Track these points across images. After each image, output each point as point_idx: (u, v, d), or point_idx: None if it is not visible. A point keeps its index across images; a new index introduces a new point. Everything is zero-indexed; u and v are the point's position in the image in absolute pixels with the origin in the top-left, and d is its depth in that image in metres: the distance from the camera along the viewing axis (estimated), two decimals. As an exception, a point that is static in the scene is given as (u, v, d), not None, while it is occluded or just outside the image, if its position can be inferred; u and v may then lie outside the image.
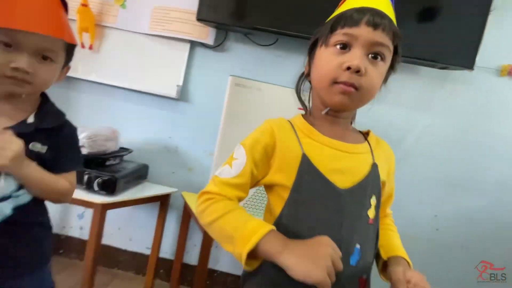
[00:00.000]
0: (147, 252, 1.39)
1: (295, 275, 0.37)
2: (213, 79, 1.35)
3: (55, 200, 0.59)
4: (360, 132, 0.58)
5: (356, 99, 0.47)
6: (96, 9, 1.32)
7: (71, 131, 0.62)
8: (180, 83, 1.33)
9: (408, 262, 0.52)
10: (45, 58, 0.52)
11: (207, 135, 1.35)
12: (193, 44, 1.33)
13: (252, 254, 0.41)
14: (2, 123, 0.52)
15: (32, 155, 0.53)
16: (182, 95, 1.35)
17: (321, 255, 0.38)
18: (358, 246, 0.47)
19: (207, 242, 0.99)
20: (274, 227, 0.44)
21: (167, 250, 1.41)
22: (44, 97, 0.60)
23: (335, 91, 0.47)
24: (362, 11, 0.46)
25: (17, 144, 0.48)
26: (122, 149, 1.26)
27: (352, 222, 0.47)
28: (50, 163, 0.55)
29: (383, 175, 0.52)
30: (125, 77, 1.35)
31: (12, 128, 0.51)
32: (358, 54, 0.45)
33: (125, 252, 1.43)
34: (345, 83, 0.45)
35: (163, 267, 1.40)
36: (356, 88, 0.45)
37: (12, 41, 0.49)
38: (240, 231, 0.43)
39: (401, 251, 0.54)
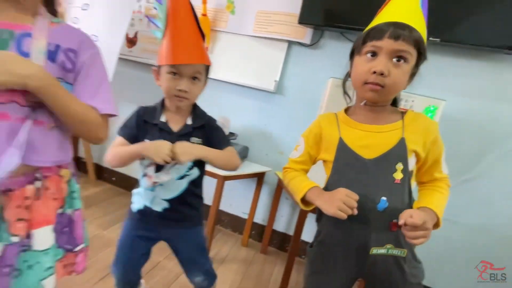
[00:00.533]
0: (244, 216, 1.73)
1: (323, 211, 0.62)
2: (307, 75, 1.50)
3: (233, 168, 0.84)
4: (401, 111, 0.70)
5: (383, 94, 0.62)
6: (211, 16, 1.60)
7: (214, 123, 0.86)
8: (277, 79, 1.53)
9: (436, 214, 0.62)
10: (194, 78, 0.77)
11: (299, 124, 1.54)
12: (291, 43, 1.50)
13: (305, 201, 0.70)
14: (175, 127, 0.80)
15: None
16: (278, 89, 1.56)
17: (334, 198, 0.60)
18: (384, 198, 0.63)
19: (302, 216, 1.21)
20: (317, 185, 0.70)
21: (259, 217, 1.73)
22: (194, 104, 0.85)
23: (366, 89, 0.63)
24: (387, 25, 0.60)
25: (186, 144, 0.74)
26: (231, 133, 1.57)
27: (376, 181, 0.64)
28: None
29: (414, 146, 0.65)
30: (232, 73, 1.63)
31: (180, 129, 0.80)
32: (382, 61, 0.60)
33: (226, 213, 1.80)
34: (372, 83, 0.61)
35: (256, 229, 1.73)
36: (382, 86, 0.60)
37: (177, 71, 0.74)
38: (299, 187, 0.71)
39: (431, 204, 0.63)
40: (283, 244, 1.70)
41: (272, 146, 1.63)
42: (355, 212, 0.59)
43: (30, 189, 0.54)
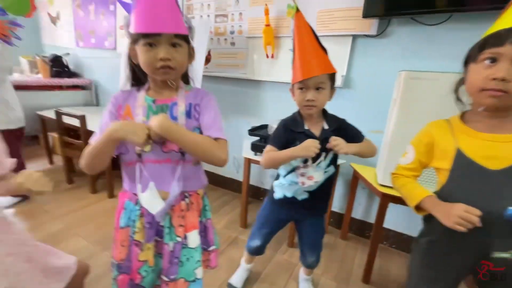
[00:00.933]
0: (321, 205, 1.86)
1: (440, 221, 0.65)
2: (376, 66, 1.50)
3: (375, 154, 0.97)
4: None
5: (506, 100, 0.59)
6: (274, 24, 1.72)
7: (345, 122, 0.99)
8: (344, 73, 1.57)
9: None
10: (318, 88, 0.88)
11: (370, 116, 1.56)
12: (355, 37, 1.51)
13: (418, 208, 0.74)
14: (317, 132, 0.93)
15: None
16: (346, 83, 1.60)
17: (452, 212, 0.63)
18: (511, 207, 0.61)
19: (383, 206, 1.26)
20: (432, 194, 0.72)
21: (336, 205, 1.83)
22: (324, 111, 0.98)
23: (484, 96, 0.61)
24: (508, 31, 0.57)
25: (315, 144, 0.87)
26: (302, 131, 1.69)
27: (501, 191, 0.63)
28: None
29: None
30: (298, 75, 1.73)
31: (320, 134, 0.93)
32: (503, 66, 0.57)
33: (304, 203, 1.97)
34: (493, 89, 0.59)
35: (334, 217, 1.85)
36: (504, 92, 0.58)
37: (304, 85, 0.88)
38: (413, 194, 0.75)
39: None
40: (363, 230, 1.78)
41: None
42: (478, 225, 0.59)
43: (183, 204, 0.77)
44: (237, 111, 2.10)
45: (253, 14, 1.80)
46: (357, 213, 1.76)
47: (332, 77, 0.91)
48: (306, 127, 0.95)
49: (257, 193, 2.17)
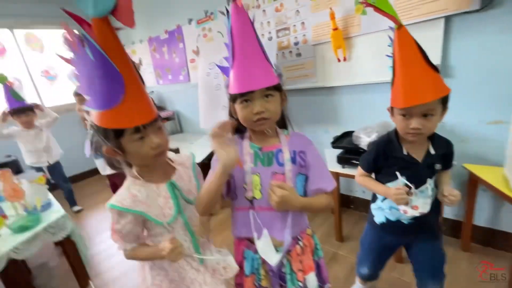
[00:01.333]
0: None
1: None
2: (482, 45, 1.23)
3: None
4: None
5: None
6: (342, 25, 1.60)
7: (452, 147, 0.90)
8: (439, 62, 1.34)
9: None
10: (426, 115, 0.77)
11: (482, 104, 1.30)
12: (448, 18, 1.27)
13: None
14: (419, 157, 0.85)
15: (434, 172, 0.84)
16: (443, 71, 1.36)
17: None
18: None
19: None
20: None
21: (448, 212, 1.58)
22: (433, 133, 0.86)
23: None
24: None
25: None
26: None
27: None
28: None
29: None
30: (379, 73, 1.56)
31: (424, 159, 0.84)
32: None
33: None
34: None
35: (448, 225, 1.59)
36: None
37: (407, 112, 0.78)
38: None
39: None
40: (490, 239, 1.48)
41: (452, 136, 1.44)
42: None
43: (298, 248, 0.79)
44: (313, 121, 2.04)
45: (317, 20, 1.72)
46: (480, 219, 1.48)
47: (444, 99, 0.77)
48: (405, 152, 0.85)
49: (347, 202, 2.06)
